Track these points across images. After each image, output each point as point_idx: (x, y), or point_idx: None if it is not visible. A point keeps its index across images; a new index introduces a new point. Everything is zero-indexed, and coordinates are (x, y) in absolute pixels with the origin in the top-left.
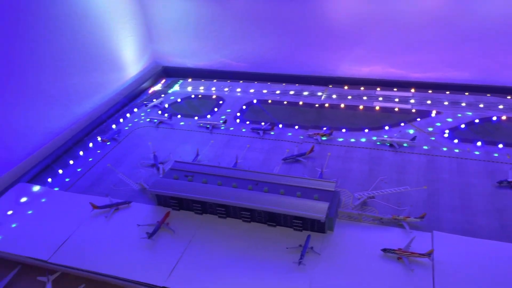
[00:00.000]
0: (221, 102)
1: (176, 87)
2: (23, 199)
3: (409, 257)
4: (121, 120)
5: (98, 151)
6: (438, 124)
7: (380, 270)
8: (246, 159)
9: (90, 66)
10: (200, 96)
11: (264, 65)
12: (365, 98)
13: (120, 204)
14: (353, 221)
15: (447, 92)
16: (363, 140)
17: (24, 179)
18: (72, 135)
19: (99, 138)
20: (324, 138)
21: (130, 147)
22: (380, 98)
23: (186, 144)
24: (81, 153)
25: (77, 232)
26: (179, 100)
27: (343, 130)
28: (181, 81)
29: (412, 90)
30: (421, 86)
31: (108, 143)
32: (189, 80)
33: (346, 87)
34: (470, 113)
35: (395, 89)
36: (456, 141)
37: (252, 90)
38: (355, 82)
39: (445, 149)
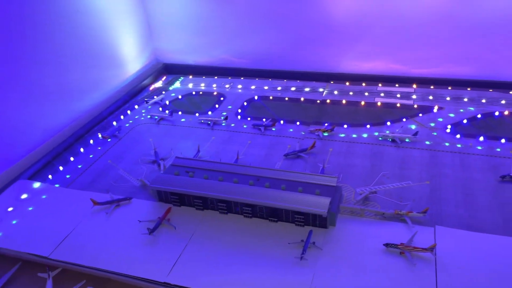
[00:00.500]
0: (222, 98)
1: (177, 84)
2: (24, 196)
3: (412, 252)
4: (122, 117)
5: (99, 148)
6: (440, 119)
7: (382, 265)
8: (247, 155)
9: (90, 62)
10: (201, 92)
11: (265, 62)
12: (366, 94)
13: (121, 200)
14: (355, 216)
15: (449, 88)
16: (365, 135)
17: (25, 176)
18: (73, 131)
19: (99, 135)
20: (325, 134)
21: (131, 143)
22: (382, 94)
23: (187, 141)
24: (81, 149)
25: (78, 228)
26: (180, 97)
27: (345, 126)
28: (182, 78)
29: (414, 86)
30: (423, 81)
31: (108, 140)
32: (190, 77)
33: (347, 83)
34: (472, 108)
35: (397, 85)
36: (458, 136)
37: (253, 87)
38: (356, 78)
39: (447, 144)
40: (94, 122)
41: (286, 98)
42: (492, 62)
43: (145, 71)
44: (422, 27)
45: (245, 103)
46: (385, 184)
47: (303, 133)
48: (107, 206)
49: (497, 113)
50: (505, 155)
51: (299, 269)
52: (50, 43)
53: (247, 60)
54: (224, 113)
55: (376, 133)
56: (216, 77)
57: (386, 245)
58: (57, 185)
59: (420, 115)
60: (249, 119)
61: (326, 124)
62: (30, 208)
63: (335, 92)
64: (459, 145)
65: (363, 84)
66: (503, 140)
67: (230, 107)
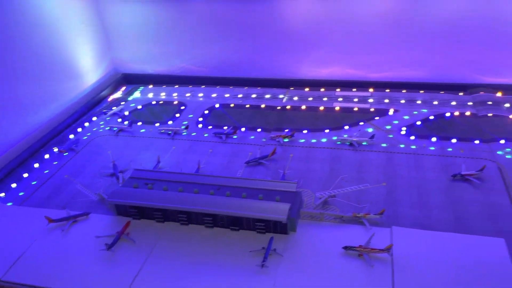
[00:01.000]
0: (183, 107)
1: (137, 94)
2: None
3: (370, 254)
4: (80, 129)
5: (55, 163)
6: (396, 122)
7: (341, 268)
8: (209, 164)
9: (45, 74)
10: (161, 102)
11: (226, 70)
12: (325, 99)
13: (78, 216)
14: (315, 221)
15: (404, 91)
16: (324, 140)
17: None
18: (27, 146)
19: (55, 149)
20: (286, 140)
21: (89, 157)
22: (340, 99)
23: (147, 152)
24: (36, 165)
25: (32, 248)
26: (139, 107)
27: (305, 131)
28: (142, 87)
29: (371, 90)
30: (379, 85)
31: (65, 154)
32: (150, 86)
33: (307, 89)
34: (425, 110)
35: (354, 89)
36: (412, 137)
37: (214, 95)
38: (315, 84)
39: (402, 146)
40: (50, 135)
41: (247, 105)
42: (443, 65)
43: (103, 82)
44: (377, 34)
45: (206, 112)
46: (343, 187)
47: (264, 139)
48: (63, 223)
49: (448, 114)
50: (456, 154)
51: (260, 277)
52: (0, 56)
53: (207, 68)
54: (185, 122)
55: (335, 138)
56: (177, 86)
57: (345, 248)
58: (9, 204)
59: (377, 118)
60: (210, 127)
61: (286, 130)
62: None
63: (295, 98)
64: (413, 146)
65: (322, 90)
66: (454, 140)
67: (191, 116)
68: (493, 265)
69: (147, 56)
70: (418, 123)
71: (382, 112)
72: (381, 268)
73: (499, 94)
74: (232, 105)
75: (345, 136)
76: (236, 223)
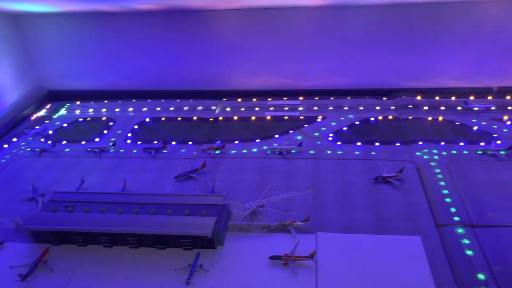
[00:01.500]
0: (111, 123)
1: (63, 111)
2: None
3: (295, 262)
4: None
5: None
6: (324, 128)
7: (267, 279)
8: (136, 181)
9: None
10: (89, 118)
11: (157, 82)
12: (257, 109)
13: None
14: (243, 232)
15: (332, 98)
16: (255, 150)
17: None
18: None
19: None
20: (217, 152)
21: (7, 180)
22: (271, 108)
23: (71, 172)
24: None
25: None
26: (65, 125)
27: (236, 142)
28: (68, 104)
29: (301, 98)
30: (309, 93)
31: None
32: (78, 102)
33: (239, 99)
34: (351, 116)
35: (285, 98)
36: (339, 143)
37: (145, 109)
38: (248, 94)
39: (329, 152)
40: None
41: (179, 118)
42: (368, 71)
43: (25, 100)
44: (305, 43)
45: (136, 126)
46: (272, 196)
47: (195, 152)
48: None
49: (372, 119)
50: (379, 157)
51: None
52: None
53: (137, 81)
54: (113, 139)
55: (265, 147)
56: (106, 101)
57: (271, 257)
58: None
59: (306, 125)
60: (139, 142)
61: (217, 142)
62: None
63: (228, 109)
64: (339, 152)
65: (254, 100)
66: (377, 144)
67: (119, 131)
68: (411, 262)
69: (74, 72)
70: (345, 128)
71: (311, 120)
72: (305, 275)
73: (418, 98)
74: (163, 118)
75: (275, 145)
76: (161, 241)
